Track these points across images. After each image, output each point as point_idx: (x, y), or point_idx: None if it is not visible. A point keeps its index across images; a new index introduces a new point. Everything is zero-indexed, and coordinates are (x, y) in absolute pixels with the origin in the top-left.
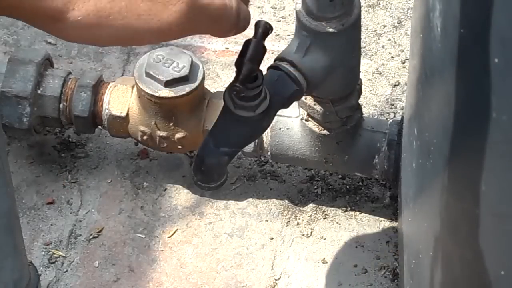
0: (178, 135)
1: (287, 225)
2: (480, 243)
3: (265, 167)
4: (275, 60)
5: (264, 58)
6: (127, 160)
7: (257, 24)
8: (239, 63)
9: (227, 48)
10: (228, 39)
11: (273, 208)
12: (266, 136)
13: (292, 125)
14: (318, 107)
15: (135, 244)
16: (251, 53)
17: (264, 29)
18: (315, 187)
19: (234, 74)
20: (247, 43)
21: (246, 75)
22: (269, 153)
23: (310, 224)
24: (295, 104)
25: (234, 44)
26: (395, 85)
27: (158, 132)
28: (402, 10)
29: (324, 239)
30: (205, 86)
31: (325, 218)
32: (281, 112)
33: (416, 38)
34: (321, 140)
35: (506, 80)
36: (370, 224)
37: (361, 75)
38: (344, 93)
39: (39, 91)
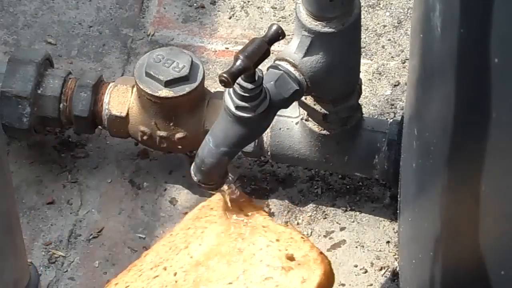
0: (178, 135)
1: (287, 225)
2: (480, 243)
3: (265, 167)
4: (275, 60)
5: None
6: (127, 160)
7: (271, 27)
8: (236, 57)
9: (227, 48)
10: (228, 39)
11: (273, 208)
12: (266, 136)
13: (292, 125)
14: (318, 107)
15: (135, 244)
16: (250, 50)
17: (274, 33)
18: (315, 187)
19: None
20: (252, 41)
21: (237, 69)
22: (269, 153)
23: (310, 224)
24: (295, 104)
25: (234, 44)
26: (395, 85)
27: (158, 132)
28: (402, 10)
29: (324, 239)
30: (205, 86)
31: (325, 218)
32: (281, 112)
33: (416, 38)
34: (321, 140)
35: (506, 80)
36: (370, 224)
37: (361, 75)
38: (344, 93)
39: (39, 91)
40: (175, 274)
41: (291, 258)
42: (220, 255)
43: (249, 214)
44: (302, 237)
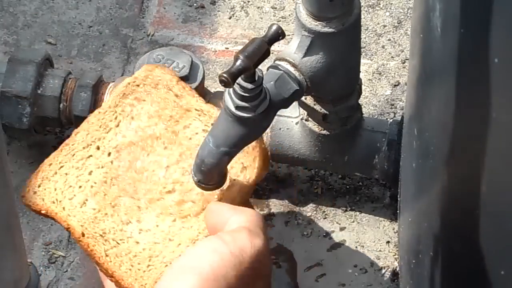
0: None
1: (287, 225)
2: (480, 243)
3: None
4: (275, 60)
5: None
6: None
7: (271, 27)
8: (236, 57)
9: (227, 48)
10: (228, 39)
11: (273, 208)
12: (266, 136)
13: (292, 125)
14: (318, 107)
15: None
16: (251, 50)
17: (274, 33)
18: (315, 187)
19: None
20: (252, 41)
21: (237, 69)
22: (269, 153)
23: (310, 224)
24: (295, 104)
25: (234, 44)
26: (395, 85)
27: None
28: (402, 10)
29: (324, 239)
30: (205, 86)
31: (325, 218)
32: (281, 112)
33: (416, 38)
34: (321, 140)
35: (506, 80)
36: (370, 224)
37: (361, 75)
38: (344, 93)
39: (39, 91)
40: (109, 154)
41: None
42: (154, 137)
43: (179, 94)
44: None
